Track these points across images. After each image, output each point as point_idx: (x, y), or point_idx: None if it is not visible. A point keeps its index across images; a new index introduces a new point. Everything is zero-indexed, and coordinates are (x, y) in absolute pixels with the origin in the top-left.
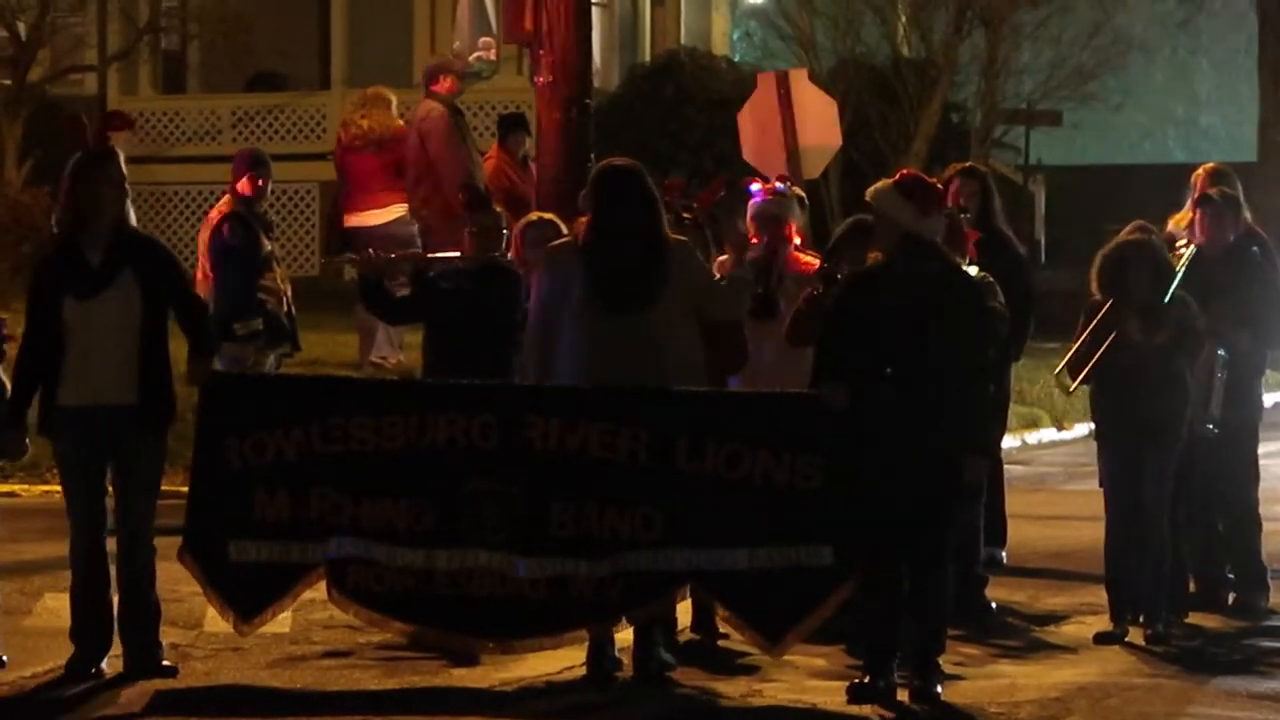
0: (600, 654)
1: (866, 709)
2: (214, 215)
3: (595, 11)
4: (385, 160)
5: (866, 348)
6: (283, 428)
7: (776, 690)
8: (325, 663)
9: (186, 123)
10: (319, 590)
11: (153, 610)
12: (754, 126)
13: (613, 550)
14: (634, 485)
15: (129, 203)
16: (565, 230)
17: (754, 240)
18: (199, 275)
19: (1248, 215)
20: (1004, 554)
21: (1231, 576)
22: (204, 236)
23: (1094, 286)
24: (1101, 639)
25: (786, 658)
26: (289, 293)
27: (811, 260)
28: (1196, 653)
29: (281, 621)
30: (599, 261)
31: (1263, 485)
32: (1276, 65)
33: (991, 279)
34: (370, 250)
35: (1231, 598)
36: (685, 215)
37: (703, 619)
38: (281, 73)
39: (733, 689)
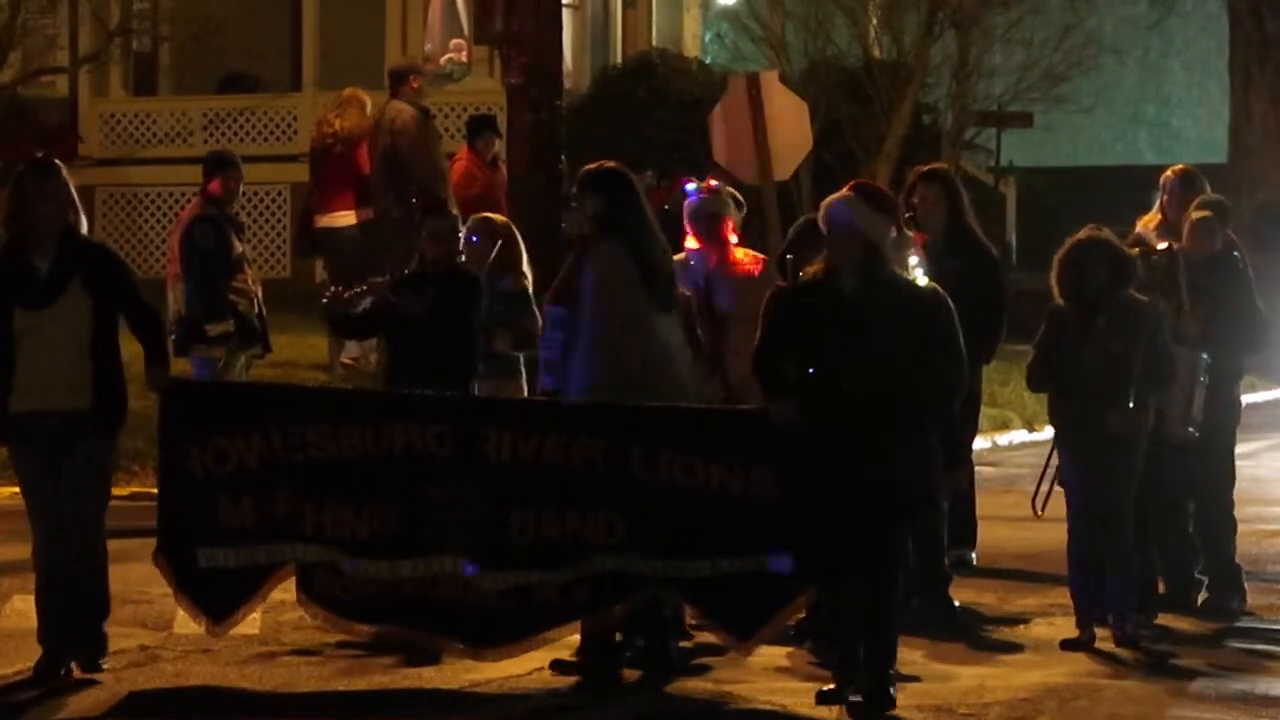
0: (600, 648)
1: (834, 711)
2: (184, 216)
3: (566, 13)
4: (359, 162)
5: (816, 358)
6: (242, 435)
7: (747, 691)
8: (295, 661)
9: (158, 124)
10: (288, 592)
11: (98, 613)
12: (725, 128)
13: (577, 555)
14: (592, 491)
15: (77, 212)
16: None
17: (692, 239)
18: (170, 277)
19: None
20: (974, 555)
21: (1202, 578)
22: (175, 238)
23: (1055, 291)
24: (1068, 645)
25: (755, 659)
26: (260, 294)
27: (748, 257)
28: (1167, 654)
29: (251, 623)
30: (656, 261)
31: (1237, 487)
32: (1247, 67)
33: (939, 288)
34: (335, 288)
35: (1203, 599)
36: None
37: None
38: (253, 74)
39: (702, 689)
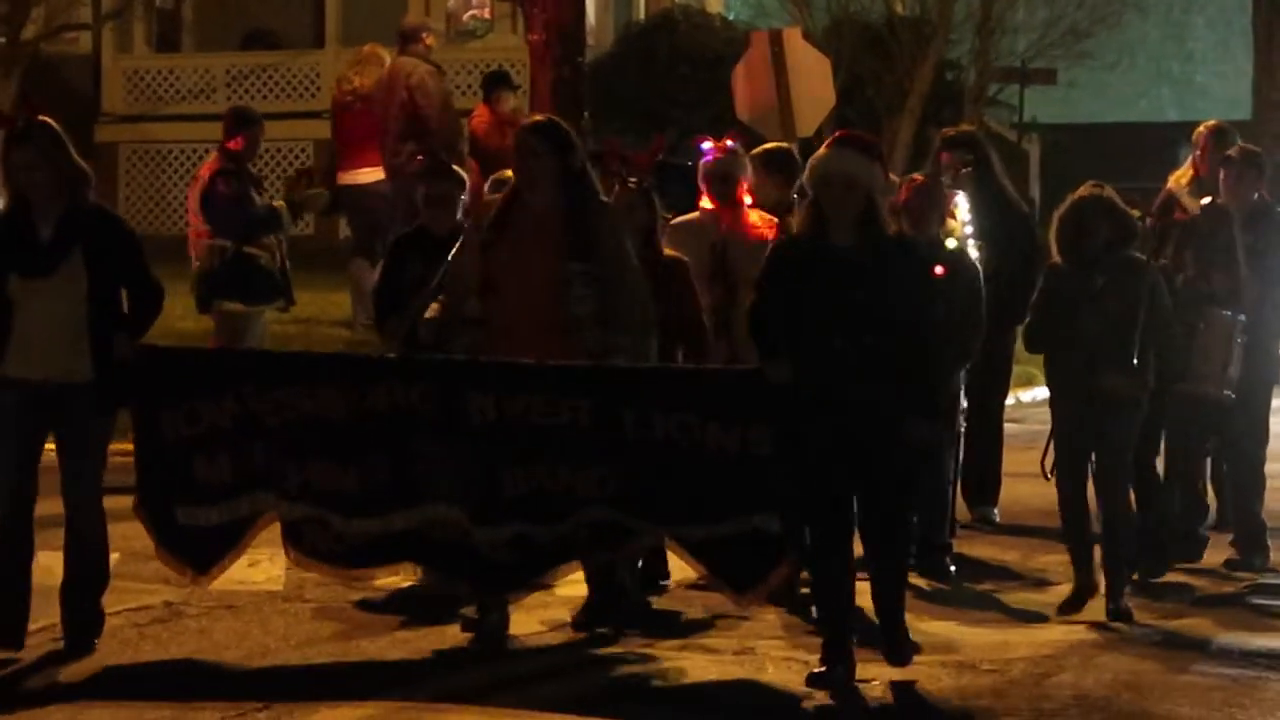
0: (605, 579)
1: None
2: (204, 172)
3: None
4: (379, 118)
5: (807, 315)
6: (215, 398)
7: (740, 661)
8: (316, 617)
9: (181, 81)
10: None
11: (97, 584)
12: (748, 85)
13: (572, 507)
14: (582, 449)
15: (74, 173)
16: None
17: (706, 199)
18: (191, 235)
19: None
20: (996, 512)
21: (1206, 535)
22: (193, 194)
23: (1054, 248)
24: (1067, 607)
25: (750, 628)
26: (283, 249)
27: (762, 220)
28: (1190, 611)
29: (275, 579)
30: None
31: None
32: (1271, 23)
33: (966, 251)
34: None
35: (1228, 556)
36: (631, 181)
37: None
38: (275, 31)
39: (682, 665)
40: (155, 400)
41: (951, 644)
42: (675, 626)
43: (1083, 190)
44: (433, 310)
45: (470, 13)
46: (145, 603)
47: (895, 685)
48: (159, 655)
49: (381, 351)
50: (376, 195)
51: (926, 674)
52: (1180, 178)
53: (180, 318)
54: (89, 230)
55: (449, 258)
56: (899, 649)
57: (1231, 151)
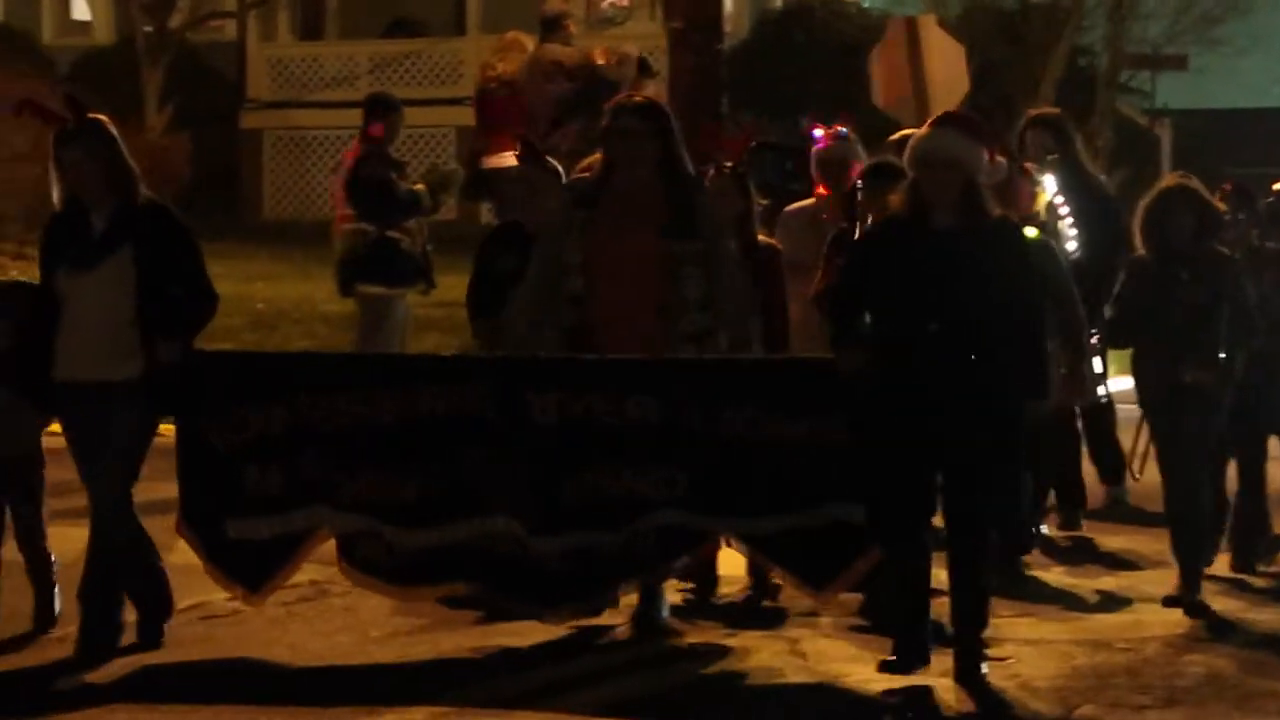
0: (649, 604)
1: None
2: (348, 158)
3: None
4: (521, 103)
5: (900, 301)
6: (262, 405)
7: (809, 660)
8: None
9: (325, 69)
10: None
11: (118, 587)
12: (883, 72)
13: (636, 513)
14: (650, 449)
15: (120, 172)
16: None
17: (818, 185)
18: (335, 220)
19: None
20: (1127, 492)
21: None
22: (337, 180)
23: (1138, 239)
24: (1169, 601)
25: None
26: (425, 233)
27: None
28: None
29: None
30: None
31: None
32: None
33: (1049, 242)
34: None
35: None
36: (725, 165)
37: (756, 575)
38: (418, 19)
39: (767, 657)
40: (202, 408)
41: (1085, 623)
42: (743, 617)
43: (1168, 181)
44: (525, 300)
45: (610, 1)
46: (294, 581)
47: (1030, 661)
48: (222, 654)
49: (476, 348)
50: (519, 178)
51: (1062, 651)
52: None
53: (324, 301)
54: (141, 226)
55: (540, 241)
56: (967, 664)
57: None
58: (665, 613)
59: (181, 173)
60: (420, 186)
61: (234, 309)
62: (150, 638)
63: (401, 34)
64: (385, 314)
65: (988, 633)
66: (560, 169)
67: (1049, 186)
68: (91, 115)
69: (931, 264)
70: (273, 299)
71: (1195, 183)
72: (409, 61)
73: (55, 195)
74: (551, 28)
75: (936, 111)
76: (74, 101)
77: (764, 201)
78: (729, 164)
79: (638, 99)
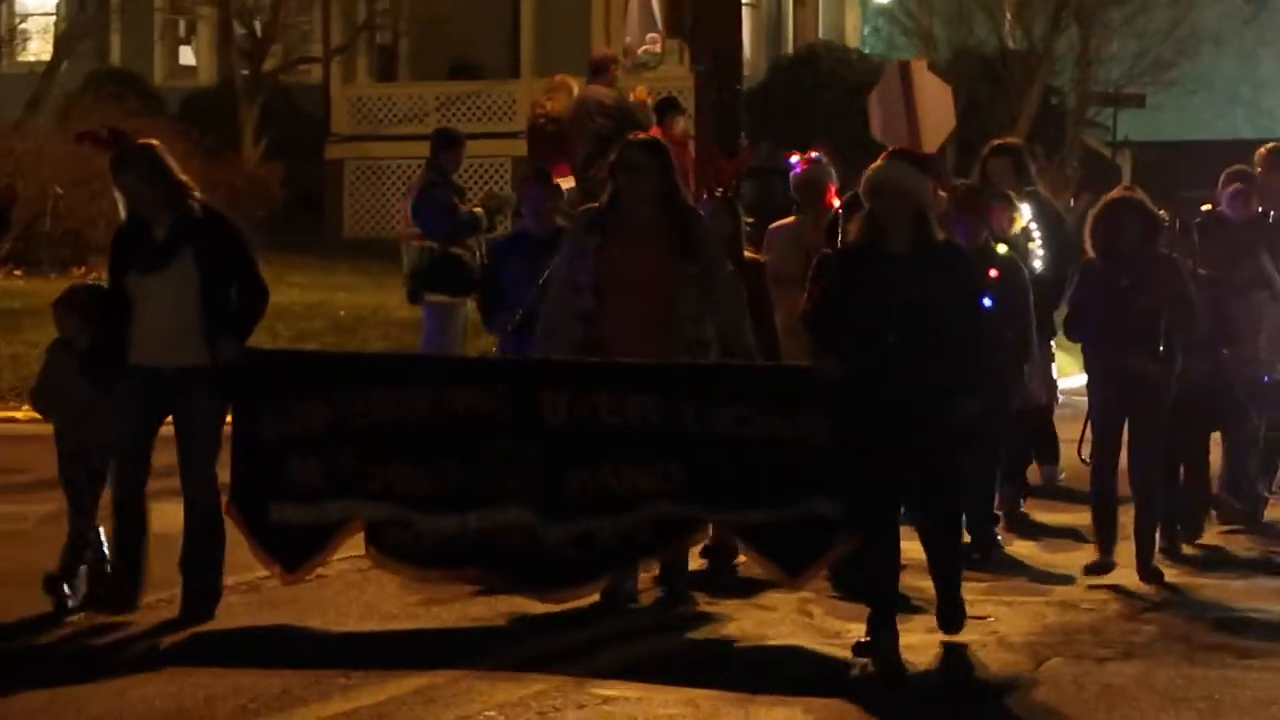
0: (620, 582)
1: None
2: (415, 185)
3: (745, 10)
4: (567, 137)
5: (862, 316)
6: (307, 401)
7: (771, 632)
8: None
9: (397, 107)
10: None
11: (214, 557)
12: (881, 109)
13: (636, 503)
14: (648, 445)
15: (172, 188)
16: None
17: (798, 205)
18: (403, 237)
19: None
20: (1060, 471)
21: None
22: (407, 205)
23: (1088, 246)
24: (1091, 569)
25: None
26: (483, 248)
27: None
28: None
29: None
30: None
31: None
32: None
33: (1017, 260)
34: None
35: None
36: (717, 191)
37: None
38: (478, 63)
39: (743, 628)
40: (255, 400)
41: (1054, 589)
42: (731, 589)
43: (1115, 192)
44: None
45: (644, 47)
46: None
47: (1006, 620)
48: (256, 622)
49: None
50: (567, 201)
51: (1034, 612)
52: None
53: (396, 308)
54: (199, 232)
55: (559, 258)
56: (951, 618)
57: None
58: (632, 587)
59: (274, 197)
60: (478, 209)
61: (318, 314)
62: (127, 607)
63: (464, 76)
64: (448, 319)
65: (970, 596)
66: (561, 189)
67: (1025, 213)
68: (141, 142)
69: (888, 283)
70: (352, 306)
71: (1139, 193)
72: (470, 100)
73: (121, 211)
74: (598, 70)
75: (926, 144)
76: (117, 134)
77: (749, 220)
78: (720, 190)
79: (642, 137)
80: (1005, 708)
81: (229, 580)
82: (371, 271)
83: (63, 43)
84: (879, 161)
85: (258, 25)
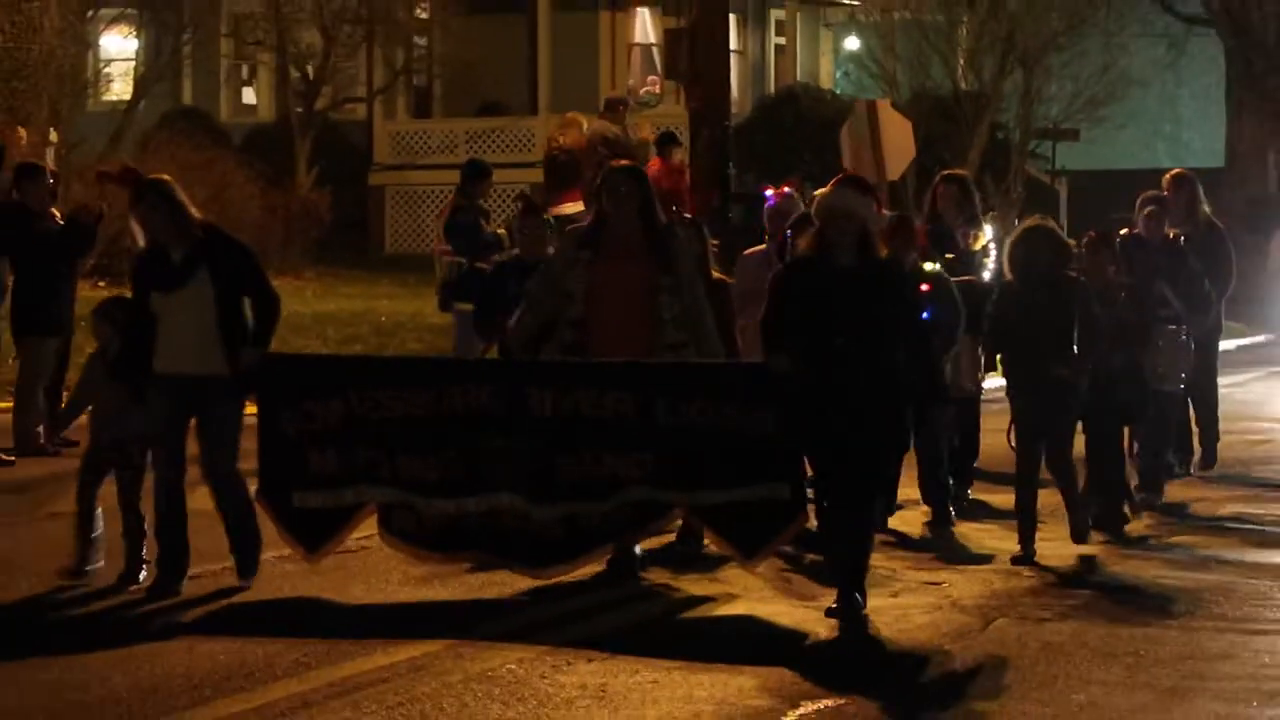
0: (627, 555)
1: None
2: (446, 208)
3: (733, 57)
4: (577, 166)
5: (812, 321)
6: (323, 399)
7: (736, 604)
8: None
9: (432, 139)
10: None
11: (251, 537)
12: (851, 141)
13: (614, 489)
14: (624, 436)
15: (178, 218)
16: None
17: (768, 233)
18: (436, 253)
19: (1207, 208)
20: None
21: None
22: (440, 225)
23: (1006, 269)
24: (1017, 560)
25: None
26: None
27: None
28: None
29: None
30: None
31: (1230, 407)
32: (1239, 96)
33: (943, 271)
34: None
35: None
36: (685, 216)
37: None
38: (502, 102)
39: (710, 601)
40: (277, 399)
41: (1001, 560)
42: (696, 563)
43: (1030, 221)
44: (522, 322)
45: (645, 88)
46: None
47: (959, 585)
48: (276, 594)
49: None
50: (577, 222)
51: (983, 578)
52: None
53: (430, 315)
54: (211, 253)
55: (544, 273)
56: (849, 609)
57: (1142, 197)
58: (637, 562)
59: (324, 219)
60: (501, 230)
61: (363, 320)
62: (172, 586)
63: (489, 114)
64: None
65: (928, 565)
66: (551, 220)
67: (988, 233)
68: (153, 177)
69: (835, 293)
70: (392, 313)
71: (1051, 223)
72: (495, 134)
73: (139, 239)
74: (611, 108)
75: (890, 171)
76: (130, 172)
77: (715, 242)
78: (688, 216)
79: (624, 165)
80: (957, 662)
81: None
82: (409, 283)
83: (141, 84)
84: (829, 187)
85: (310, 69)
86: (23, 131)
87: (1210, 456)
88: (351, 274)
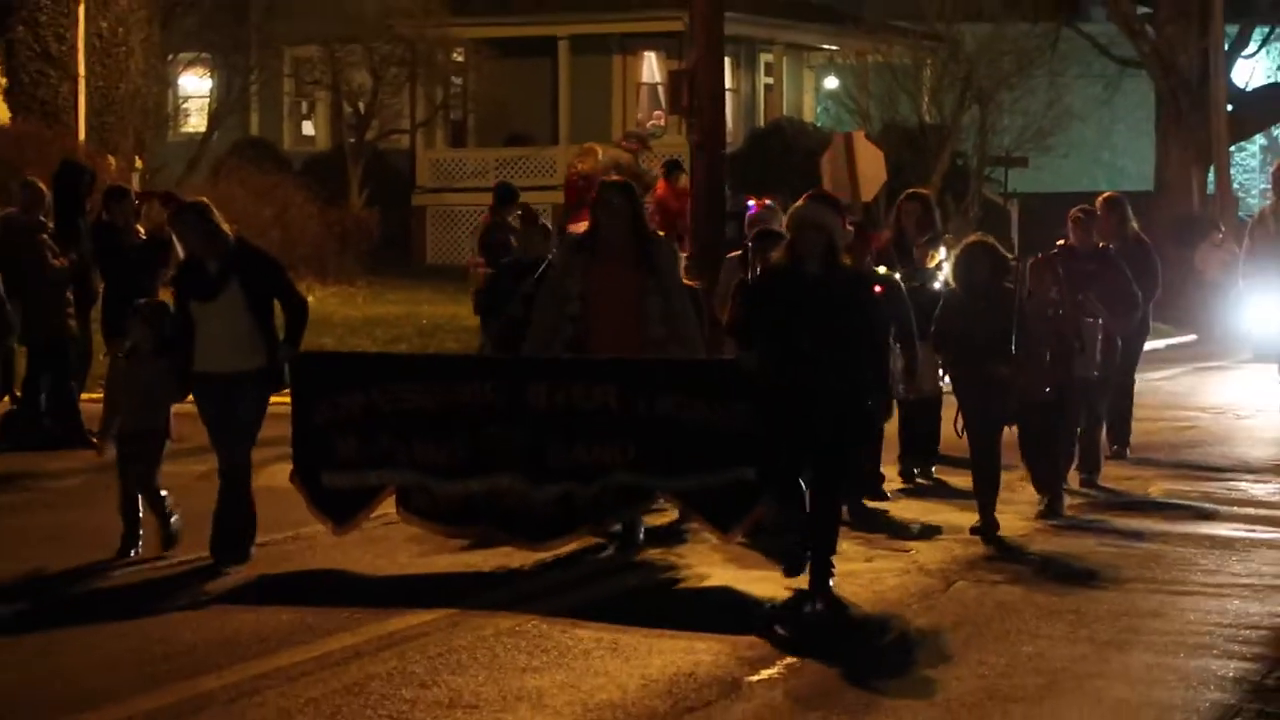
0: (632, 531)
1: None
2: (480, 226)
3: (727, 94)
4: (594, 190)
5: (782, 324)
6: (348, 392)
7: (703, 577)
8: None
9: (466, 166)
10: None
11: (244, 525)
12: (830, 167)
13: (601, 473)
14: (610, 425)
15: (212, 236)
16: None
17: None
18: (469, 265)
19: (1135, 225)
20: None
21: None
22: (474, 241)
23: (951, 279)
24: (975, 530)
25: (711, 551)
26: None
27: None
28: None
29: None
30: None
31: (1158, 398)
32: (1167, 129)
33: (899, 279)
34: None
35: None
36: (660, 231)
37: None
38: (528, 133)
39: (687, 572)
40: (309, 393)
41: (961, 527)
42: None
43: (972, 238)
44: (539, 322)
45: (651, 121)
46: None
47: (924, 552)
48: (298, 567)
49: (482, 346)
50: None
51: (944, 546)
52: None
53: (466, 318)
54: (242, 265)
55: (546, 277)
56: (823, 590)
57: (1075, 209)
58: (641, 536)
59: (374, 235)
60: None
61: (407, 322)
62: (242, 555)
63: (516, 144)
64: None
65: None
66: (550, 229)
67: (942, 252)
68: (191, 200)
69: (803, 300)
70: (432, 316)
71: (991, 239)
72: (521, 162)
73: (180, 252)
74: (631, 139)
75: (865, 193)
76: (169, 196)
77: (685, 255)
78: (661, 233)
79: (615, 180)
80: (923, 619)
81: (280, 534)
82: (447, 290)
83: (214, 118)
84: (800, 201)
85: (361, 105)
86: (112, 159)
87: (1125, 439)
88: (397, 282)
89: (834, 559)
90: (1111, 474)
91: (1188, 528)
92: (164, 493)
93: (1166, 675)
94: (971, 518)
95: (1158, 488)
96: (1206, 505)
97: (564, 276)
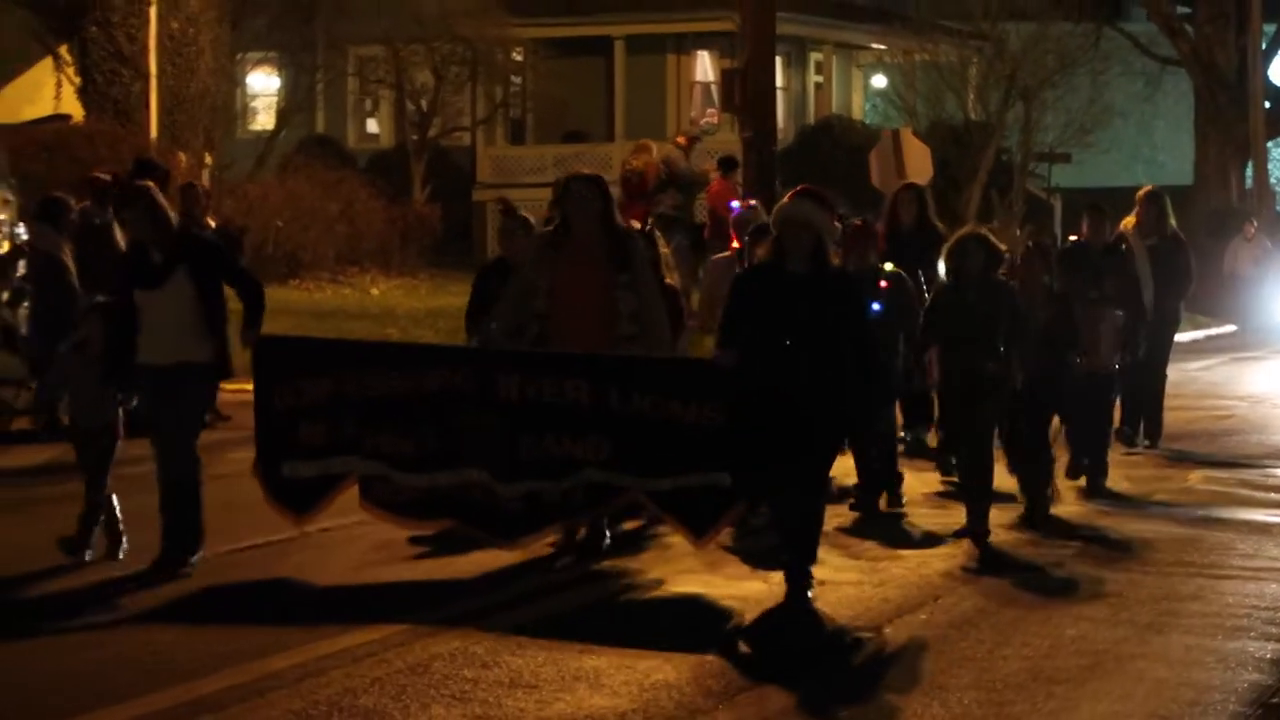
0: (596, 535)
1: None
2: (540, 221)
3: (779, 92)
4: (646, 183)
5: (766, 323)
6: (313, 378)
7: (681, 583)
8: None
9: (525, 163)
10: None
11: (186, 520)
12: (878, 163)
13: (572, 469)
14: (581, 421)
15: (161, 222)
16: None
17: (734, 240)
18: None
19: (1173, 221)
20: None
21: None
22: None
23: (942, 270)
24: (960, 533)
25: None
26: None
27: None
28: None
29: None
30: None
31: (1196, 387)
32: (1205, 125)
33: (903, 272)
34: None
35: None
36: (637, 226)
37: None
38: (584, 131)
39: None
40: (271, 378)
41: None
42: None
43: (964, 230)
44: (504, 313)
45: (705, 119)
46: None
47: (928, 559)
48: (246, 578)
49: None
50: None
51: (957, 546)
52: (1128, 223)
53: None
54: (188, 253)
55: (521, 273)
56: (798, 601)
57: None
58: (606, 543)
59: (436, 230)
60: None
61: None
62: (176, 566)
63: (573, 141)
64: None
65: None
66: (530, 220)
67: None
68: (137, 184)
69: (787, 297)
70: None
71: (984, 231)
72: (578, 158)
73: (121, 241)
74: (688, 136)
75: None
76: (118, 180)
77: (665, 250)
78: (638, 225)
79: (585, 173)
80: (968, 603)
81: (246, 542)
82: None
83: (282, 116)
84: (786, 198)
85: (423, 103)
86: (183, 156)
87: (1156, 432)
88: (458, 275)
89: (809, 563)
90: (1151, 461)
91: (1225, 513)
92: (114, 496)
93: (1205, 657)
94: (1001, 515)
95: (1196, 474)
96: (1244, 491)
97: (532, 271)
